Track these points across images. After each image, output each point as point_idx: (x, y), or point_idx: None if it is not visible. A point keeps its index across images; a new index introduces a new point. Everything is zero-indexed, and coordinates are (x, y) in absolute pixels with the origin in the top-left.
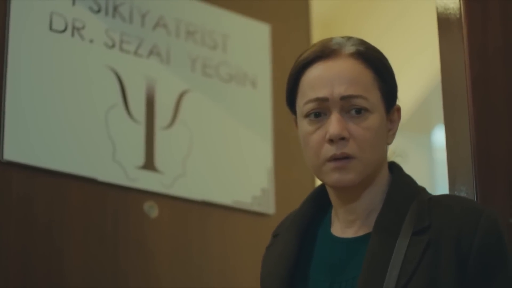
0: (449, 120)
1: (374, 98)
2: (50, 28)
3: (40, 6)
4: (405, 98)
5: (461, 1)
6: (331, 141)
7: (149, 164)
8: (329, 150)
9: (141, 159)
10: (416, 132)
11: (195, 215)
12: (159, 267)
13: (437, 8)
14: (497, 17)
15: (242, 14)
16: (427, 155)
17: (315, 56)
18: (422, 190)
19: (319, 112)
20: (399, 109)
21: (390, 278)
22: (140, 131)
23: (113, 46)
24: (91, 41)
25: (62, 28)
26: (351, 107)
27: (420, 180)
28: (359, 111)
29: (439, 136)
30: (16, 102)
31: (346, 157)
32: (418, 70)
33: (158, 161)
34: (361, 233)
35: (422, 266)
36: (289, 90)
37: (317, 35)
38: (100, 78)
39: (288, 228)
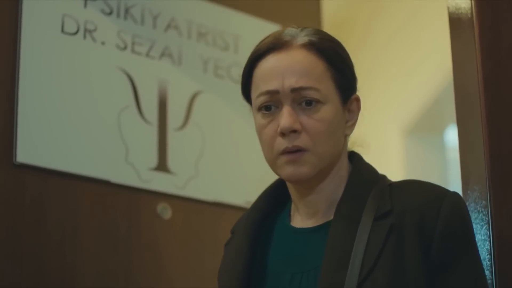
0: (462, 120)
1: (326, 89)
2: (62, 31)
3: (51, 8)
4: (417, 98)
5: (473, 1)
6: (283, 134)
7: (162, 165)
8: (281, 143)
9: (154, 161)
10: (429, 132)
11: (208, 216)
12: (172, 269)
13: (448, 8)
14: (509, 16)
15: (253, 15)
16: (440, 155)
17: (267, 48)
18: (383, 177)
19: (270, 105)
20: (358, 99)
21: (353, 265)
22: (152, 132)
23: (125, 48)
24: (103, 43)
25: (74, 30)
26: (302, 99)
27: (433, 180)
28: (310, 102)
29: (452, 136)
30: (28, 104)
31: (298, 150)
32: (430, 70)
33: (171, 162)
34: (321, 222)
35: (386, 251)
36: (243, 83)
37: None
38: (112, 80)
39: (244, 224)
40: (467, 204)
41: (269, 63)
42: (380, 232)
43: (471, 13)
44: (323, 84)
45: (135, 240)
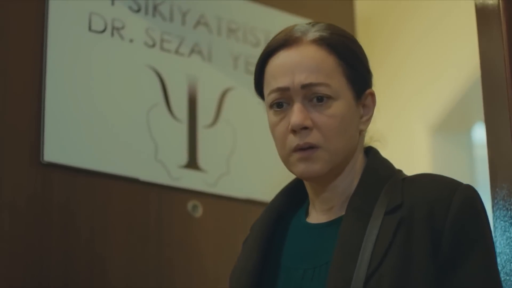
0: (490, 117)
1: (337, 84)
2: (89, 29)
3: (78, 6)
4: (444, 95)
5: None
6: (294, 131)
7: (192, 163)
8: (293, 140)
9: (183, 158)
10: (456, 129)
11: (240, 214)
12: (204, 267)
13: (476, 5)
14: None
15: (284, 11)
16: (467, 153)
17: (278, 45)
18: (398, 171)
19: (282, 102)
20: (372, 94)
21: (362, 260)
22: (182, 130)
23: (153, 45)
24: (131, 40)
25: (102, 28)
26: (313, 95)
27: (461, 177)
28: (321, 98)
29: (479, 133)
30: (55, 103)
31: (310, 147)
32: (457, 67)
33: (201, 159)
34: (335, 217)
35: (395, 246)
36: (256, 80)
37: (361, 31)
38: (141, 78)
39: (259, 223)
40: (495, 201)
41: (280, 59)
42: (390, 226)
43: (498, 9)
44: (334, 80)
45: (165, 238)
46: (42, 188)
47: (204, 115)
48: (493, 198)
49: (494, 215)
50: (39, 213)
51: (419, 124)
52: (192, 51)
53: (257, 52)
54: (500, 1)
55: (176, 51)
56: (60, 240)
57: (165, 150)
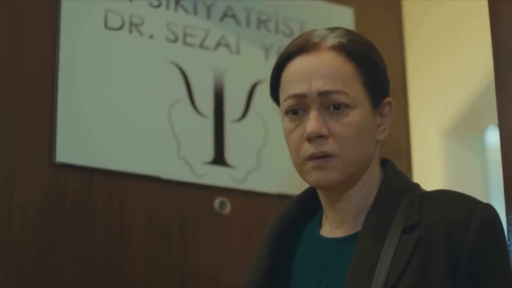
0: (503, 120)
1: (355, 92)
2: (106, 26)
3: (92, 4)
4: (457, 98)
5: None
6: (309, 139)
7: (218, 159)
8: (308, 148)
9: (209, 154)
10: (469, 133)
11: (271, 209)
12: (233, 266)
13: (489, 8)
14: None
15: None
16: (481, 156)
17: (296, 50)
18: (415, 186)
19: (298, 109)
20: (390, 103)
21: (377, 279)
22: (208, 125)
23: (175, 40)
24: (151, 36)
25: (119, 25)
26: (330, 103)
27: (474, 182)
28: (338, 107)
29: (493, 136)
30: (68, 103)
31: (325, 156)
32: (470, 70)
33: (229, 155)
34: (350, 232)
35: (412, 266)
36: (272, 85)
37: (407, 17)
38: (162, 73)
39: (268, 233)
40: (509, 206)
41: (297, 65)
42: (407, 245)
43: None
44: (352, 88)
45: (190, 237)
46: (55, 189)
47: (231, 110)
48: (507, 202)
49: (507, 219)
50: (51, 215)
51: (432, 127)
52: (218, 44)
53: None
54: None
55: (201, 45)
56: (74, 242)
57: (188, 146)
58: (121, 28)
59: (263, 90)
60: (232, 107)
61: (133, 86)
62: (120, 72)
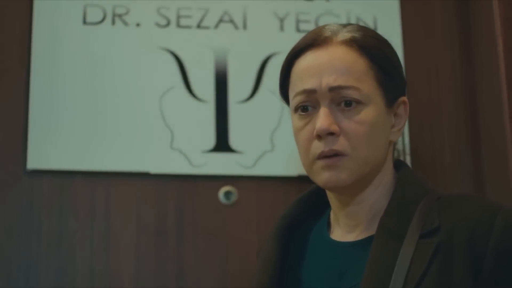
0: None
1: (368, 89)
2: (84, 22)
3: (68, 2)
4: None
5: None
6: (319, 137)
7: (221, 145)
8: (317, 147)
9: (210, 142)
10: None
11: (290, 194)
12: (242, 262)
13: None
14: None
15: None
16: None
17: (306, 45)
18: (432, 189)
19: (307, 106)
20: (405, 103)
21: (394, 285)
22: (207, 110)
23: (167, 24)
24: (137, 24)
25: (100, 18)
26: (341, 99)
27: None
28: (350, 103)
29: None
30: (41, 107)
31: (336, 155)
32: None
33: (234, 140)
34: (362, 236)
35: (432, 272)
36: (281, 82)
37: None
38: (152, 62)
39: (273, 233)
40: None
41: (307, 60)
42: (426, 250)
43: None
44: (365, 84)
45: (189, 233)
46: (30, 196)
47: (236, 90)
48: None
49: None
50: (26, 222)
51: None
52: (220, 21)
53: (313, 6)
54: None
55: (198, 26)
56: (50, 248)
57: (183, 136)
58: (102, 21)
59: (279, 62)
60: (237, 87)
61: (118, 79)
62: (101, 67)
